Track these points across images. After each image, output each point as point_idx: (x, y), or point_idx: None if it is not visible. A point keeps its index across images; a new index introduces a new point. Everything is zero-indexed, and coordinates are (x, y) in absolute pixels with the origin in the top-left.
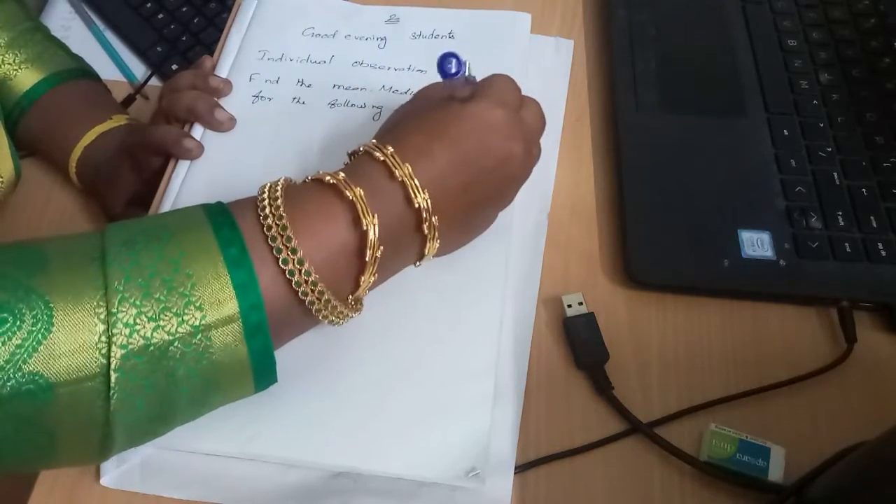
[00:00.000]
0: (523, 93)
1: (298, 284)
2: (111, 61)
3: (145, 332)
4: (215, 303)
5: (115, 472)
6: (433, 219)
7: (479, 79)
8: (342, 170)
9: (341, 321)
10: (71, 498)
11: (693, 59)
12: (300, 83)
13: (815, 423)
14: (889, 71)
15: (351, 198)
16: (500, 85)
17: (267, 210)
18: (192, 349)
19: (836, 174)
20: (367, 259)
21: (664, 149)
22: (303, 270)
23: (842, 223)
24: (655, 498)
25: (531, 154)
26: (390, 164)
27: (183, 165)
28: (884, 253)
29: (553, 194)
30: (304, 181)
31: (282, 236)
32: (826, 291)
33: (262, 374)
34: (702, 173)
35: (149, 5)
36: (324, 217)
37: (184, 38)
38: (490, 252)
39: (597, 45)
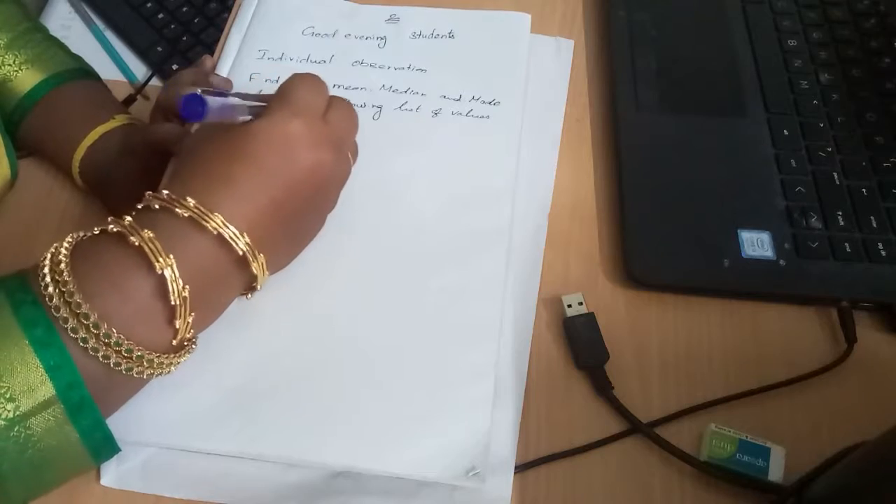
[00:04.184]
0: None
1: (96, 350)
2: (111, 61)
3: None
4: (27, 390)
5: (116, 471)
6: (256, 251)
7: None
8: (131, 213)
9: (170, 369)
10: (71, 498)
11: (693, 59)
12: None
13: (815, 423)
14: (889, 71)
15: (138, 243)
16: (299, 90)
17: (48, 278)
18: (13, 442)
19: (836, 174)
20: (172, 303)
21: (664, 149)
22: (100, 334)
23: (842, 223)
24: (655, 498)
25: (343, 156)
26: (198, 219)
27: None
28: (884, 253)
29: (553, 194)
30: (93, 233)
31: (68, 303)
32: (826, 291)
33: (99, 448)
34: (702, 173)
35: (149, 5)
36: (119, 268)
37: (184, 38)
38: (490, 252)
39: (597, 45)
